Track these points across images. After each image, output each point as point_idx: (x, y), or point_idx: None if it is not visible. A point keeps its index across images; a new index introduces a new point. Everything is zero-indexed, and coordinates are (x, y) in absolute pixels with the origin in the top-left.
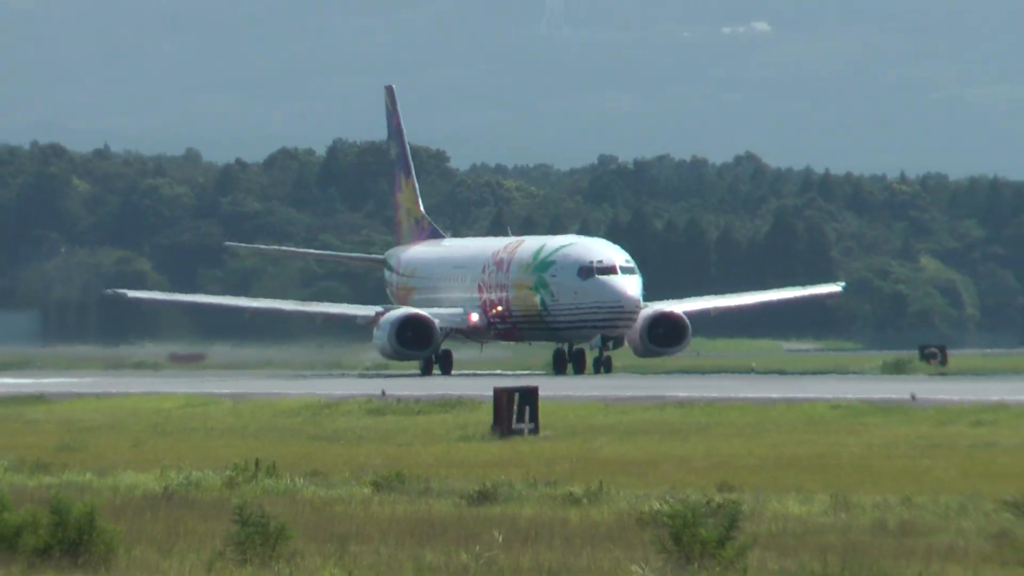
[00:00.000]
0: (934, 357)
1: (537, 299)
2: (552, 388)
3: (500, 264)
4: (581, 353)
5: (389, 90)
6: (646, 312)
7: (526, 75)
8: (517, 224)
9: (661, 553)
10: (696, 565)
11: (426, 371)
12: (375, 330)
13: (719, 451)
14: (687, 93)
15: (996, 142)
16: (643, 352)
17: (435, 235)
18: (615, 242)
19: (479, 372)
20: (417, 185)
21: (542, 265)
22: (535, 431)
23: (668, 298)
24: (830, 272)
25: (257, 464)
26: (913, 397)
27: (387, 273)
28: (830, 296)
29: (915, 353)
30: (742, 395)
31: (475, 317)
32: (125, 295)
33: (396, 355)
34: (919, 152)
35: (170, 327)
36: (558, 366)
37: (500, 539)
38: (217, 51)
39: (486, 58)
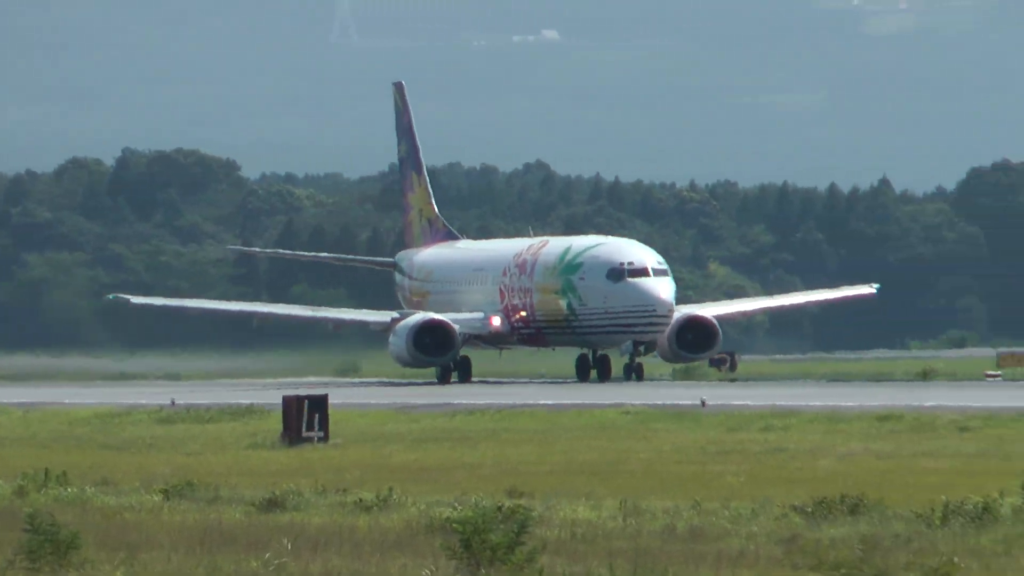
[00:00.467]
0: (723, 363)
1: (564, 303)
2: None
3: (523, 267)
4: (606, 359)
5: (399, 87)
6: (675, 316)
7: (317, 84)
8: (307, 233)
9: (451, 559)
10: (486, 571)
11: (444, 379)
12: (391, 336)
13: (509, 457)
14: (477, 101)
15: (786, 149)
16: (672, 358)
17: (450, 236)
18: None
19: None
20: (430, 184)
21: (569, 267)
22: (325, 439)
23: None
24: None
25: (47, 473)
26: (703, 403)
27: (398, 277)
28: (866, 296)
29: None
30: (533, 402)
31: (497, 322)
32: (128, 301)
33: (414, 362)
34: (710, 159)
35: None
36: (581, 373)
37: (289, 546)
38: (5, 61)
39: (277, 67)
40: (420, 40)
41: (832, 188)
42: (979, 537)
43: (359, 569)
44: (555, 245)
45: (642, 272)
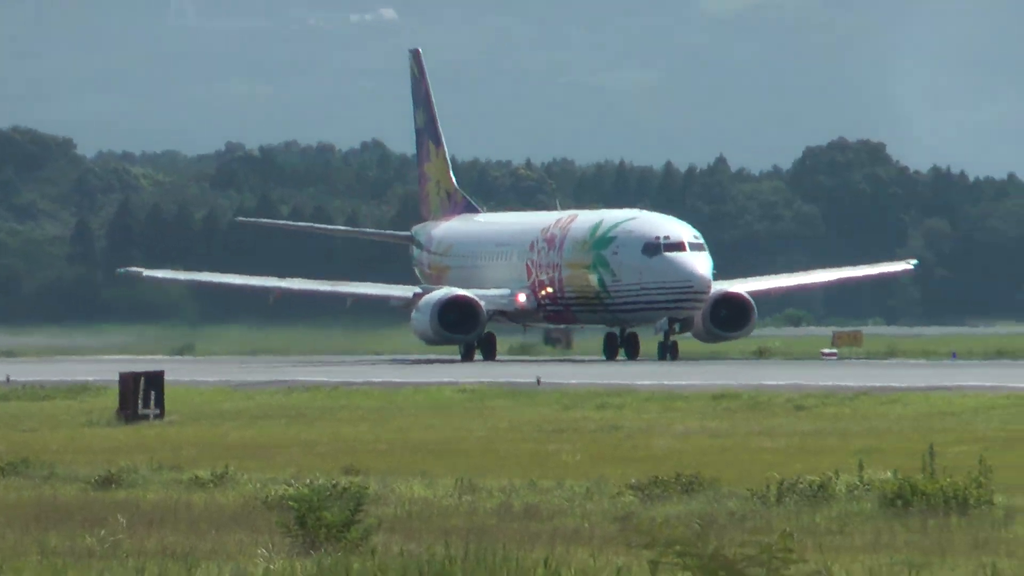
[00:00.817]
0: (559, 341)
1: (595, 279)
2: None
3: (551, 241)
4: (635, 337)
5: (415, 54)
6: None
7: (153, 62)
8: (144, 211)
9: (286, 536)
10: (321, 548)
11: (467, 356)
12: (414, 312)
13: (345, 435)
14: (314, 80)
15: (623, 127)
16: (706, 336)
17: (470, 209)
18: (238, 230)
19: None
20: (448, 155)
21: (601, 241)
22: (161, 416)
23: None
24: None
25: None
26: (538, 381)
27: (415, 251)
28: (905, 273)
29: (540, 336)
30: (369, 379)
31: (523, 298)
32: (140, 274)
33: (438, 339)
34: (547, 138)
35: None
36: (609, 351)
37: (124, 523)
38: None
39: (113, 45)
40: (257, 19)
41: (668, 166)
42: (814, 515)
43: (195, 545)
44: (585, 218)
45: (678, 246)
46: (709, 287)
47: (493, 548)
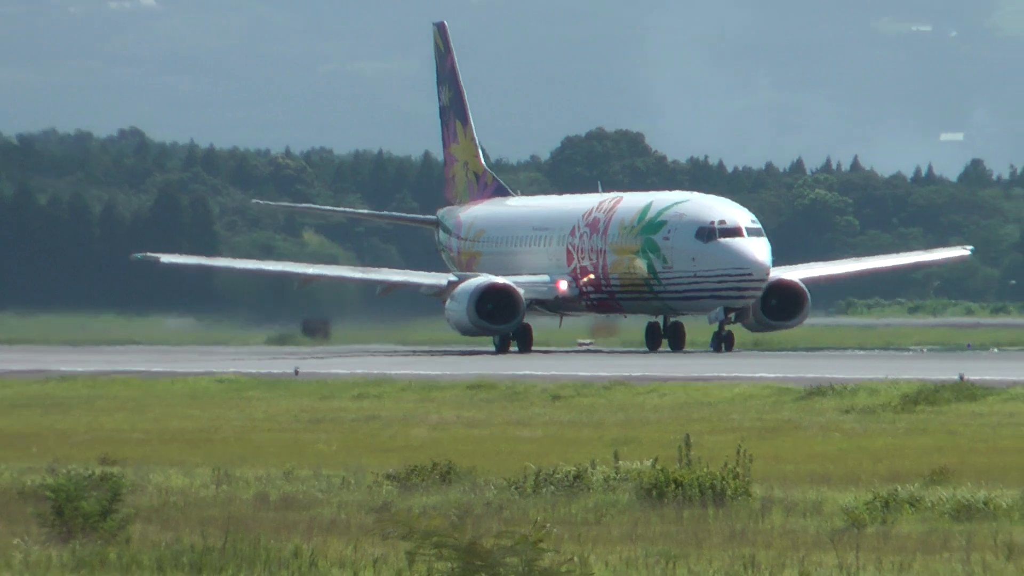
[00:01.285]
0: (317, 331)
1: (644, 265)
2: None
3: (594, 225)
4: (679, 327)
5: (441, 27)
6: None
7: None
8: None
9: (43, 527)
10: (78, 538)
11: (502, 348)
12: (449, 302)
13: (102, 425)
14: (73, 67)
15: (382, 116)
16: (756, 326)
17: (500, 192)
18: None
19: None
20: (477, 135)
21: (651, 226)
22: None
23: None
24: (213, 246)
25: None
26: (296, 371)
27: (442, 236)
28: (960, 259)
29: (298, 327)
30: (126, 368)
31: (564, 286)
32: (158, 260)
33: (476, 329)
34: (306, 127)
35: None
36: (651, 342)
37: None
38: None
39: None
40: (16, 6)
41: (427, 156)
42: (570, 506)
43: None
44: (632, 201)
45: (735, 231)
46: (768, 275)
47: (249, 538)
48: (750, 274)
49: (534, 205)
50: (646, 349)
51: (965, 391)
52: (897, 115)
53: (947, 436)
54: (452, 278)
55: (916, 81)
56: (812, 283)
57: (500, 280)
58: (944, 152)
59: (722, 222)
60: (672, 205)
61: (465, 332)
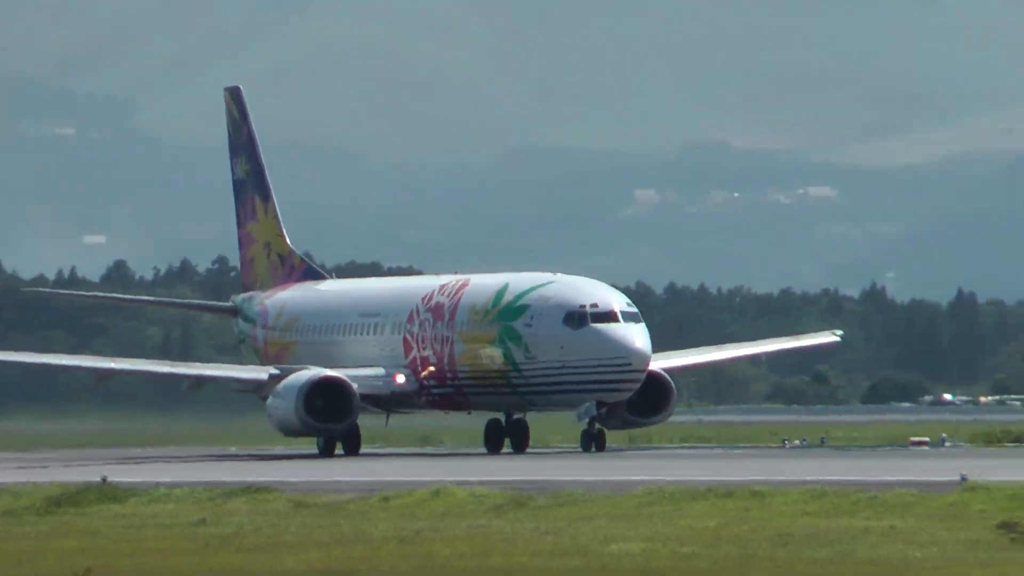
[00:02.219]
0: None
1: (500, 355)
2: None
3: (437, 311)
4: (522, 424)
5: (234, 92)
6: None
7: None
8: None
9: None
10: None
11: (327, 450)
12: (272, 399)
13: None
14: None
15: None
16: (619, 423)
17: (312, 275)
18: None
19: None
20: (279, 212)
21: (509, 311)
22: None
23: None
24: None
25: None
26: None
27: (243, 324)
28: (829, 345)
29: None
30: None
31: (402, 379)
32: None
33: (304, 429)
34: None
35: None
36: (492, 442)
37: None
38: None
39: None
40: None
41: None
42: None
43: None
44: (483, 284)
45: (609, 316)
46: (648, 364)
47: None
48: (629, 364)
49: (361, 289)
50: (486, 450)
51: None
52: (40, 217)
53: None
54: (274, 371)
55: (59, 183)
56: (675, 371)
57: (332, 373)
58: (88, 254)
59: (594, 305)
60: (534, 288)
61: (290, 432)
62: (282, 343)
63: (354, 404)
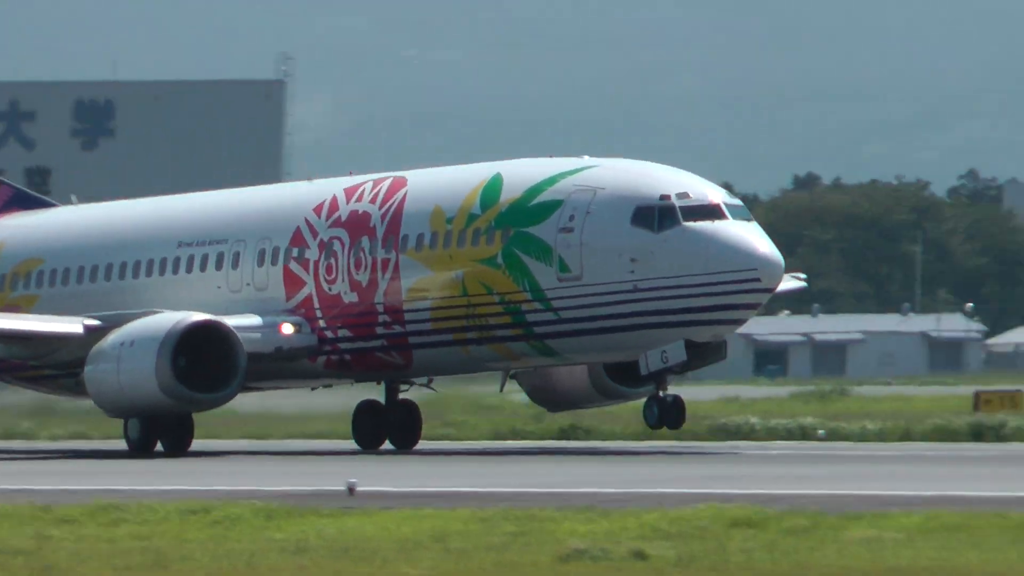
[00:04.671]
0: None
1: (514, 279)
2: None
3: (358, 225)
4: (412, 408)
5: None
6: None
7: None
8: None
9: None
10: None
11: (144, 443)
12: (100, 363)
13: None
14: None
15: None
16: (591, 395)
17: (28, 202)
18: None
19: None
20: None
21: (522, 212)
22: None
23: None
24: None
25: None
26: None
27: None
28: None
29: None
30: None
31: (288, 329)
32: None
33: (170, 402)
34: None
35: None
36: (366, 433)
37: None
38: None
39: None
40: None
41: None
42: None
43: None
44: (443, 181)
45: (710, 211)
46: (781, 280)
47: None
48: (756, 278)
49: (169, 208)
50: (358, 444)
51: None
52: None
53: None
54: (91, 322)
55: None
56: None
57: (206, 316)
58: None
59: (683, 195)
60: (564, 175)
61: (138, 408)
62: (13, 302)
63: (239, 363)
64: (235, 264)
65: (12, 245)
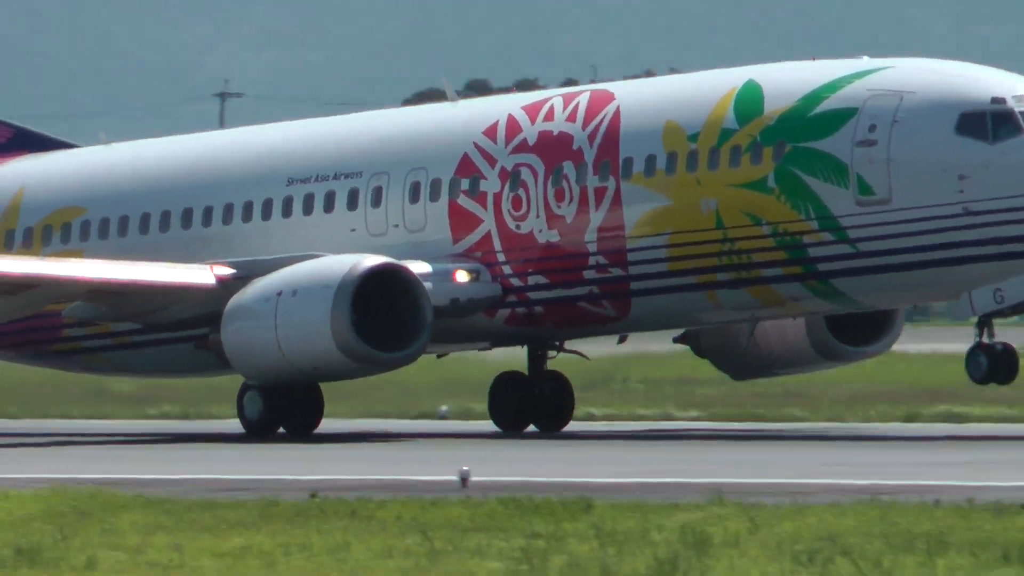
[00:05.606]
0: None
1: (788, 206)
2: None
3: (552, 149)
4: (563, 382)
5: None
6: None
7: None
8: None
9: None
10: None
11: (266, 422)
12: (242, 321)
13: None
14: None
15: None
16: (814, 356)
17: (33, 142)
18: None
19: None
20: None
21: (800, 124)
22: None
23: None
24: None
25: None
26: None
27: None
28: None
29: None
30: None
31: (463, 277)
32: None
33: (350, 362)
34: None
35: None
36: (504, 407)
37: None
38: None
39: None
40: None
41: None
42: None
43: None
44: (686, 90)
45: None
46: None
47: None
48: None
49: (270, 139)
50: (498, 424)
51: None
52: None
53: None
54: (223, 269)
55: None
56: None
57: (383, 259)
58: None
59: (1022, 98)
60: (854, 78)
61: (312, 370)
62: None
63: (425, 316)
64: (376, 201)
65: (37, 192)
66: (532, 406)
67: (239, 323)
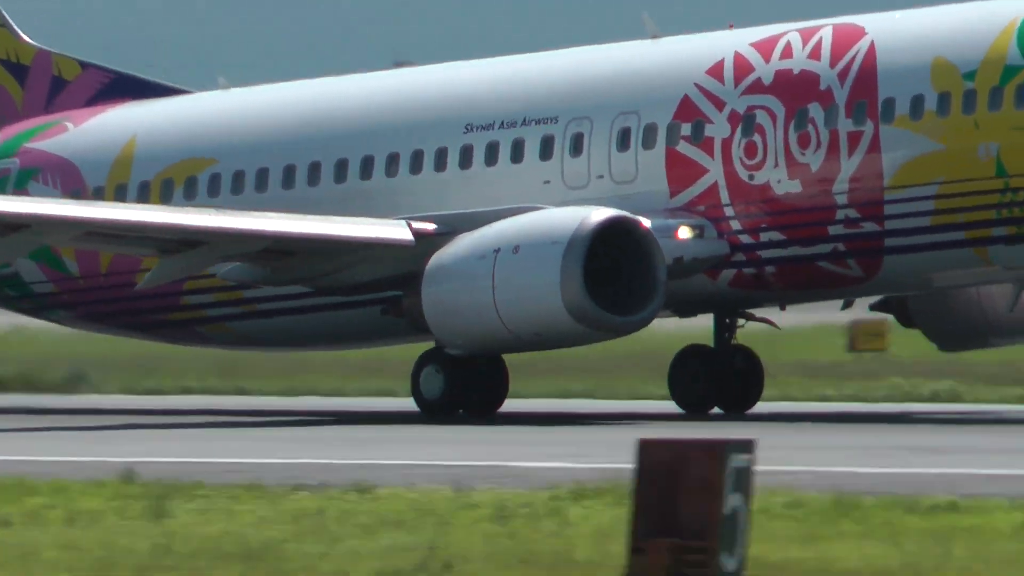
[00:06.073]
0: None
1: None
2: None
3: (801, 89)
4: (750, 355)
5: None
6: None
7: None
8: None
9: None
10: None
11: (447, 400)
12: (476, 271)
13: None
14: None
15: None
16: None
17: (138, 90)
18: None
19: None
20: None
21: None
22: None
23: None
24: None
25: None
26: None
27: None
28: None
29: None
30: None
31: (686, 233)
32: None
33: (582, 326)
34: None
35: None
36: (686, 385)
37: None
38: None
39: None
40: None
41: None
42: None
43: None
44: (954, 23)
45: None
46: None
47: None
48: None
49: (441, 81)
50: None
51: None
52: None
53: None
54: (423, 224)
55: None
56: None
57: (615, 212)
58: None
59: None
60: None
61: (534, 335)
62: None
63: (659, 275)
64: (575, 150)
65: (153, 142)
66: (720, 385)
67: (446, 284)
